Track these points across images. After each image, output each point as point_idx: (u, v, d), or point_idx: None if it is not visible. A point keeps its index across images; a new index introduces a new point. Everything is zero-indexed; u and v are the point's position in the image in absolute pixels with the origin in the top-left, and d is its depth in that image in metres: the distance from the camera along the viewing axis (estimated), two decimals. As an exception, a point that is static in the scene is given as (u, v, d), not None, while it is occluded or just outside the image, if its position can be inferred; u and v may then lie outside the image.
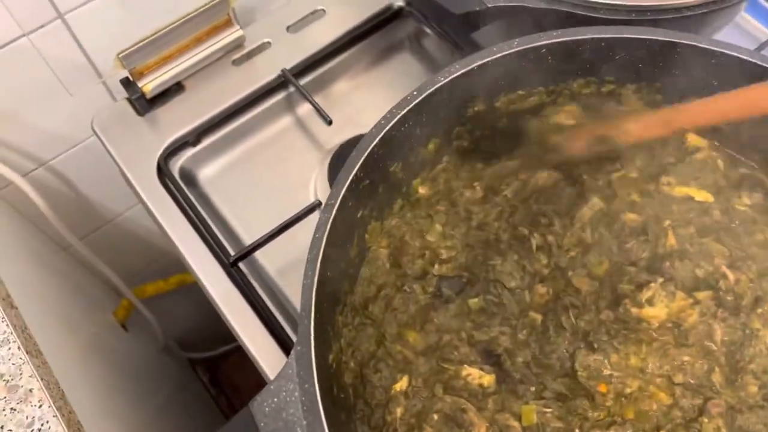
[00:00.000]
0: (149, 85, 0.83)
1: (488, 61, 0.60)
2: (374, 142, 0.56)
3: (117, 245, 1.25)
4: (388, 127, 0.56)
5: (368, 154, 0.55)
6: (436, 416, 0.56)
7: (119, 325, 1.24)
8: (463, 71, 0.59)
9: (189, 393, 1.66)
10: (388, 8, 0.92)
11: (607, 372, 0.57)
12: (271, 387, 0.47)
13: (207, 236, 0.77)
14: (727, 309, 0.59)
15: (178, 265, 0.88)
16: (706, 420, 0.54)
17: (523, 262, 0.62)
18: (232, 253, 0.75)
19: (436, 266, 0.64)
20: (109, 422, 0.92)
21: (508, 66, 0.62)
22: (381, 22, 0.92)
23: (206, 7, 0.82)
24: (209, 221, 0.78)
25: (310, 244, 0.52)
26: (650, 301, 0.58)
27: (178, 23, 0.82)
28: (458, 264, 0.64)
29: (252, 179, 0.85)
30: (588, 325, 0.59)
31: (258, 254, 0.78)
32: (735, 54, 0.58)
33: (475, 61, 0.59)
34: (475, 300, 0.62)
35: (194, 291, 0.77)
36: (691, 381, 0.56)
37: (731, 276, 0.59)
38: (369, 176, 0.57)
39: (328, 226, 0.52)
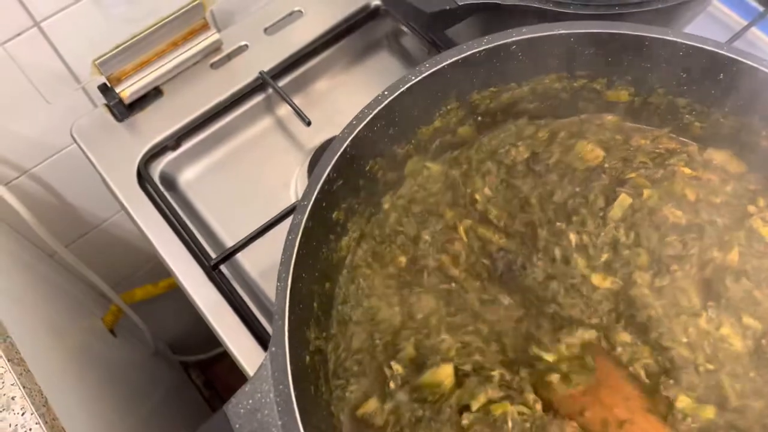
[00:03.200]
0: (127, 90, 0.83)
1: (458, 59, 0.60)
2: (345, 144, 0.56)
3: (104, 251, 1.25)
4: (359, 128, 0.57)
5: (340, 155, 0.56)
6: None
7: (108, 331, 1.24)
8: (433, 70, 0.59)
9: (183, 396, 1.67)
10: (365, 8, 0.93)
11: None
12: (246, 388, 0.47)
13: (188, 240, 0.77)
14: None
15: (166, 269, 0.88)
16: None
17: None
18: (213, 256, 0.75)
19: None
20: (98, 428, 0.93)
21: (479, 63, 0.62)
22: (358, 21, 0.93)
23: (182, 11, 0.82)
24: (190, 225, 0.78)
25: (283, 246, 0.52)
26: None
27: (153, 28, 0.82)
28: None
29: (233, 182, 0.86)
30: None
31: (240, 257, 0.78)
32: (700, 45, 0.58)
33: (445, 60, 0.60)
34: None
35: (184, 294, 0.77)
36: None
37: None
38: (342, 176, 0.58)
39: (301, 228, 0.52)
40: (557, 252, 0.61)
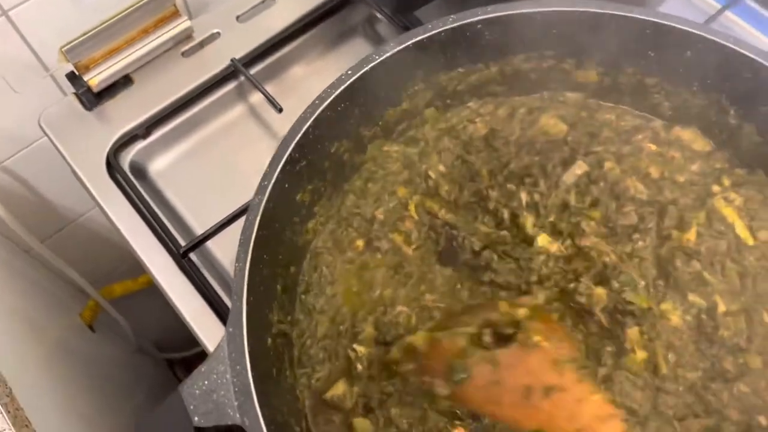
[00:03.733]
0: (96, 78, 0.82)
1: (423, 39, 0.59)
2: (308, 124, 0.55)
3: (82, 246, 1.23)
4: (321, 108, 0.56)
5: (302, 135, 0.55)
6: None
7: (87, 327, 1.23)
8: (397, 49, 0.59)
9: (168, 394, 1.65)
10: (338, -6, 0.92)
11: None
12: (202, 369, 0.46)
13: (157, 229, 0.76)
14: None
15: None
16: None
17: None
18: (183, 244, 0.74)
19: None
20: (73, 422, 0.92)
21: (446, 43, 0.61)
22: (332, 8, 0.92)
23: (150, -2, 0.81)
24: (160, 214, 0.77)
25: (242, 227, 0.51)
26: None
27: (122, 14, 0.81)
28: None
29: (205, 170, 0.84)
30: None
31: (212, 245, 0.78)
32: (665, 22, 0.58)
33: (410, 39, 0.59)
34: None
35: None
36: None
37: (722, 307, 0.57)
38: (306, 157, 0.57)
39: (261, 209, 0.52)
40: (506, 213, 0.61)
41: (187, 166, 0.85)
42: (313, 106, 0.56)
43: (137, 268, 1.34)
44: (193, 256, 0.75)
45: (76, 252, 1.19)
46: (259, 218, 0.51)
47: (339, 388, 0.56)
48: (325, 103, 0.56)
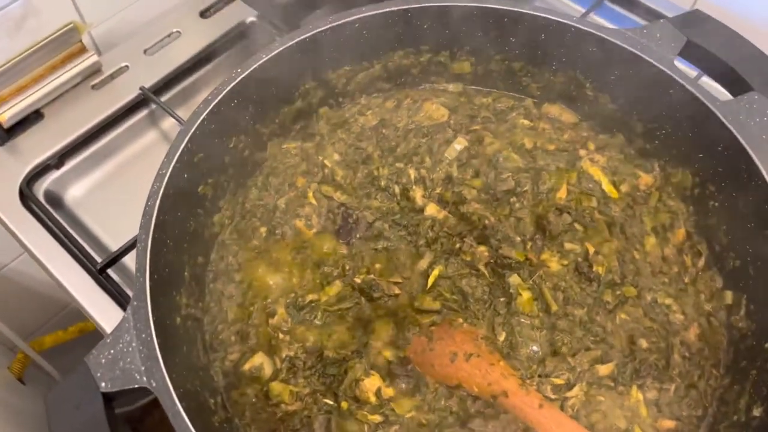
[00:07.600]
0: (5, 114, 0.85)
1: (306, 38, 0.65)
2: (202, 116, 0.59)
3: (7, 299, 1.21)
4: (214, 103, 0.60)
5: (198, 127, 0.59)
6: None
7: (16, 379, 1.20)
8: (282, 48, 0.64)
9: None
10: (241, 24, 0.98)
11: None
12: (108, 340, 0.48)
13: (74, 250, 0.78)
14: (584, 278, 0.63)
15: (80, 316, 0.84)
16: None
17: None
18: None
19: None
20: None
21: (328, 42, 0.67)
22: (236, 36, 0.98)
23: (55, 35, 0.85)
24: (77, 237, 0.79)
25: (143, 212, 0.55)
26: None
27: (27, 53, 0.84)
28: None
29: (122, 195, 0.87)
30: None
31: (131, 262, 0.79)
32: (517, 10, 0.66)
33: (294, 39, 0.65)
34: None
35: (99, 339, 0.76)
36: None
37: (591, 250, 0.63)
38: (203, 150, 0.61)
39: (160, 195, 0.55)
40: (396, 189, 0.66)
41: (105, 192, 0.87)
42: (206, 102, 0.60)
43: (68, 318, 1.33)
44: (113, 273, 0.76)
45: (1, 305, 1.17)
46: (158, 203, 0.54)
47: (257, 360, 0.59)
48: (218, 98, 0.60)
